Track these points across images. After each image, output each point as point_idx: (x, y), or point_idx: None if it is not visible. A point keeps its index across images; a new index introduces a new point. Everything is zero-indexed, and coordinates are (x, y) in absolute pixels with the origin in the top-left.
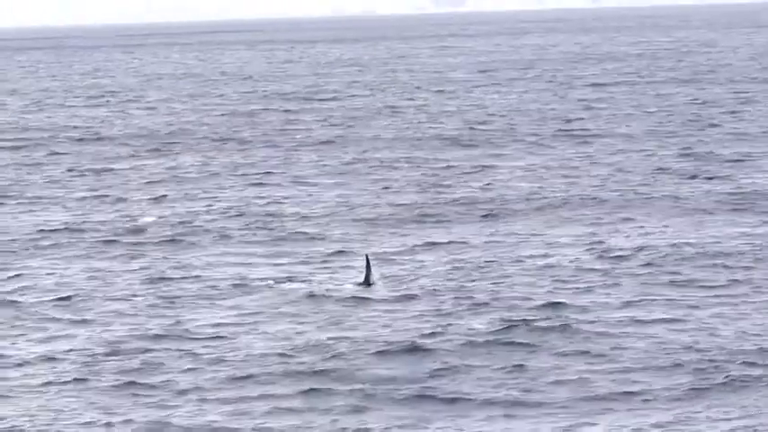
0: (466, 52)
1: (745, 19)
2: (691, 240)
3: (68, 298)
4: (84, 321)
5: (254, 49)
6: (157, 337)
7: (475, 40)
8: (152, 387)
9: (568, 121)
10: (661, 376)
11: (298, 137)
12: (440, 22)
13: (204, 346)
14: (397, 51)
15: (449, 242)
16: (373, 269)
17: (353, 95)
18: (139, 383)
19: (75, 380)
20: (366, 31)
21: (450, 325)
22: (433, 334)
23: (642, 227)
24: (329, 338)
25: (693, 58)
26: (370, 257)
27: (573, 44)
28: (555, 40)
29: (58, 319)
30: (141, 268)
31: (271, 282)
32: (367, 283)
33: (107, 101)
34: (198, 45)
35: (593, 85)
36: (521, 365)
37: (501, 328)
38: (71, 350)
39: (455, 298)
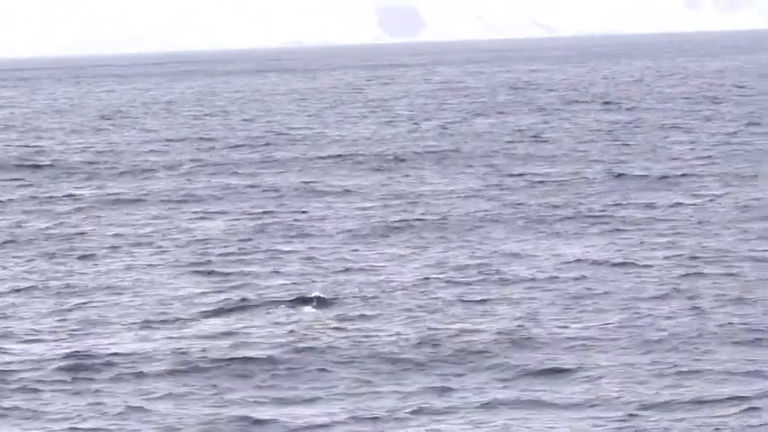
0: (415, 81)
1: (701, 48)
2: (619, 262)
3: None
4: None
5: (208, 79)
6: (68, 365)
7: (425, 68)
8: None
9: (508, 144)
10: (592, 416)
11: (238, 163)
12: (394, 52)
13: (112, 378)
14: (345, 80)
15: (381, 265)
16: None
17: (296, 126)
18: (40, 427)
19: None
20: (320, 61)
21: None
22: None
23: (567, 249)
24: (261, 371)
25: (640, 86)
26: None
27: (523, 72)
28: (505, 68)
29: None
30: (64, 292)
31: (201, 307)
32: (315, 305)
33: (57, 131)
34: (144, 77)
35: (538, 109)
36: (450, 402)
37: (418, 366)
38: None
39: (385, 325)
